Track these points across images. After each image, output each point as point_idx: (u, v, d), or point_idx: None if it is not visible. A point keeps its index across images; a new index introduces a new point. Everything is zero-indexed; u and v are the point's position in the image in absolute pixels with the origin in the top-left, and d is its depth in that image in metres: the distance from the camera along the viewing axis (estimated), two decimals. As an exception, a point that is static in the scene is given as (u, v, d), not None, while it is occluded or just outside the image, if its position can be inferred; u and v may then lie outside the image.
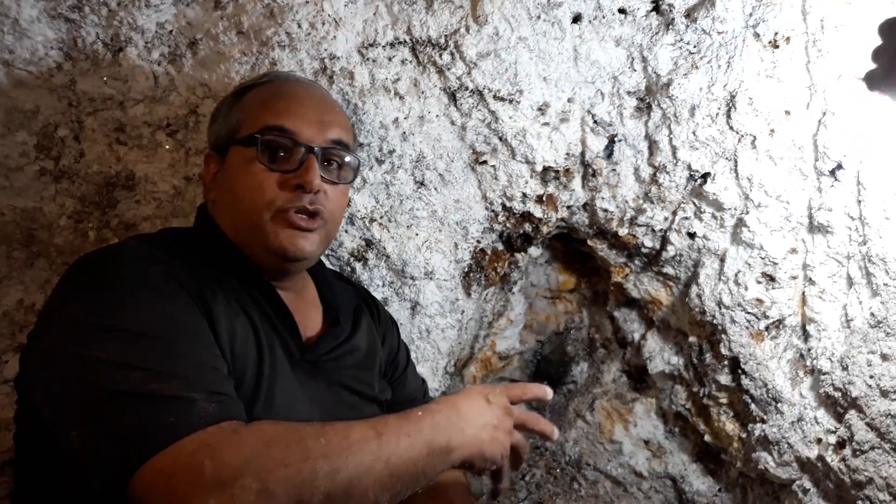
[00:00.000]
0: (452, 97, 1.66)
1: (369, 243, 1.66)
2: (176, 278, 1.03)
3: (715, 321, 1.70)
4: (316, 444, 0.89)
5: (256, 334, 1.09)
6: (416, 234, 1.70)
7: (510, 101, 1.66)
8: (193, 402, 0.89)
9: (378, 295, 1.65)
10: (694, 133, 1.65)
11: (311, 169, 1.13)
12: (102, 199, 1.51)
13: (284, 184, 1.13)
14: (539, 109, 1.69)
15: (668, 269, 1.81)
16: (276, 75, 1.28)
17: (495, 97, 1.66)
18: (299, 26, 1.54)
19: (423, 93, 1.64)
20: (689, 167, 1.67)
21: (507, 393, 1.13)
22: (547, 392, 1.19)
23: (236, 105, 1.21)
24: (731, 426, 1.77)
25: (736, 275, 1.65)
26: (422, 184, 1.68)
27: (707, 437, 1.89)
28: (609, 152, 1.73)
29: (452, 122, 1.67)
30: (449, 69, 1.63)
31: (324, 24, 1.55)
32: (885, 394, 1.36)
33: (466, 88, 1.65)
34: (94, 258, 1.06)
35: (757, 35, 1.59)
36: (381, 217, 1.67)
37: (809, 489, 1.58)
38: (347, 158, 1.22)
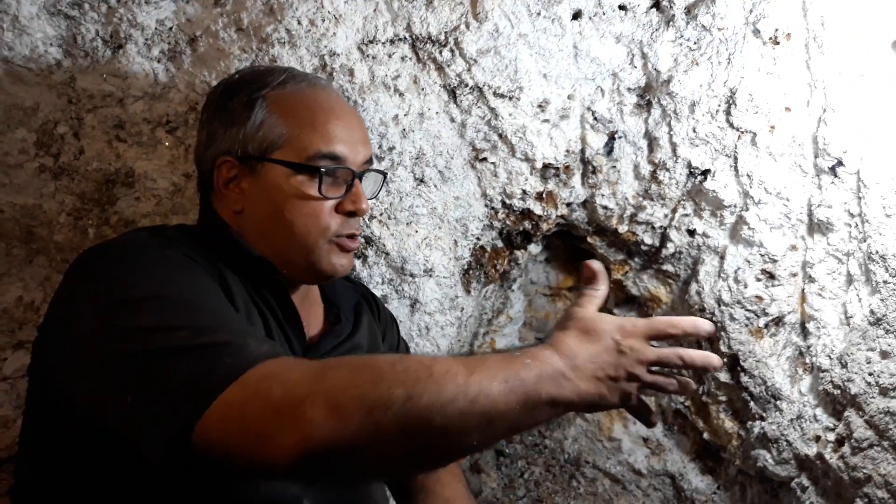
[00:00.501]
0: (452, 94, 1.66)
1: (369, 241, 1.66)
2: (190, 259, 1.04)
3: (714, 318, 1.70)
4: (390, 370, 0.84)
5: (267, 326, 1.10)
6: (416, 232, 1.70)
7: (510, 98, 1.66)
8: (246, 344, 0.89)
9: (377, 292, 1.65)
10: (694, 130, 1.65)
11: (361, 196, 1.18)
12: (102, 196, 1.51)
13: (338, 210, 1.17)
14: (539, 106, 1.69)
15: (668, 267, 1.81)
16: (300, 77, 1.23)
17: (495, 94, 1.66)
18: (299, 23, 1.54)
19: (422, 90, 1.64)
20: (689, 164, 1.67)
21: (649, 328, 0.92)
22: (700, 324, 0.95)
23: (267, 112, 1.16)
24: (729, 424, 1.78)
25: (735, 272, 1.65)
26: (422, 181, 1.68)
27: (706, 435, 1.89)
28: (609, 149, 1.73)
29: (452, 119, 1.67)
30: (449, 66, 1.63)
31: (324, 20, 1.55)
32: (884, 391, 1.36)
33: (466, 85, 1.65)
34: (107, 245, 1.07)
35: (757, 31, 1.59)
36: (381, 214, 1.67)
37: (808, 487, 1.59)
38: (379, 176, 1.29)
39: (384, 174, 1.31)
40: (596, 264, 0.98)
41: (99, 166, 1.50)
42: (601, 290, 0.97)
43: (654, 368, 0.92)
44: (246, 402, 0.83)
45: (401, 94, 1.63)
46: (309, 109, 1.18)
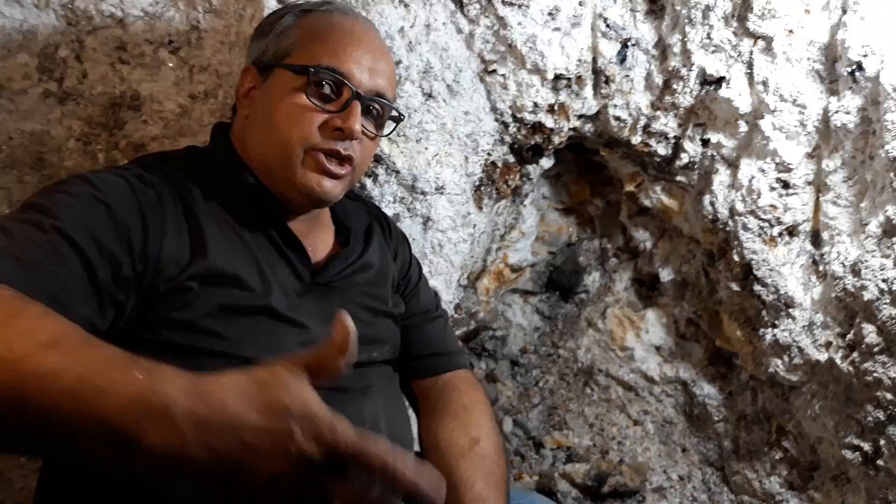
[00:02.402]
0: (459, 3, 1.61)
1: (378, 159, 1.65)
2: (132, 192, 1.02)
3: (728, 228, 1.70)
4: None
5: (256, 263, 1.09)
6: (426, 149, 1.68)
7: (519, 6, 1.61)
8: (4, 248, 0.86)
9: (389, 211, 1.65)
10: (708, 36, 1.60)
11: (354, 115, 1.12)
12: (109, 120, 1.50)
13: (325, 124, 1.12)
14: (549, 14, 1.63)
15: (681, 178, 1.79)
16: (338, 6, 1.23)
17: (503, 2, 1.61)
18: (298, -67, 1.48)
19: None
20: (703, 72, 1.63)
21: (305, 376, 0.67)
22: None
23: (293, 27, 1.17)
24: (742, 332, 1.79)
25: (750, 181, 1.63)
26: (430, 96, 1.65)
27: (718, 343, 1.92)
28: (622, 57, 1.69)
29: (459, 30, 1.63)
30: (455, -26, 1.57)
31: (324, -70, 1.49)
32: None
33: (474, -6, 1.59)
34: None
35: (777, -71, 1.52)
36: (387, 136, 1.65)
37: (818, 392, 1.61)
38: (389, 112, 1.21)
39: (399, 117, 1.24)
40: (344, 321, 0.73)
41: (104, 90, 1.48)
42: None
43: None
44: None
45: (406, 5, 1.58)
46: (331, 28, 1.17)
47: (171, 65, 1.50)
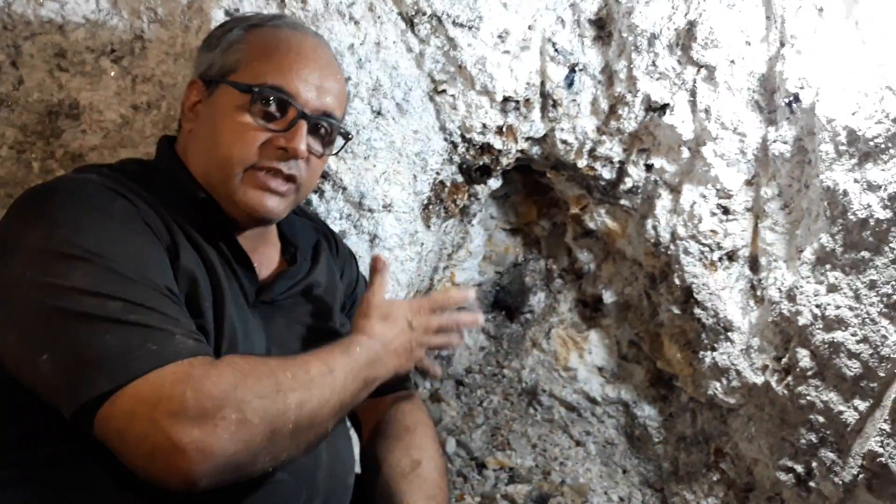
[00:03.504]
0: (410, 23, 1.61)
1: (325, 175, 1.63)
2: (138, 213, 1.00)
3: (669, 252, 1.73)
4: (284, 377, 0.93)
5: (214, 277, 1.07)
6: (374, 166, 1.68)
7: (469, 28, 1.63)
8: (173, 334, 0.90)
9: (336, 228, 1.64)
10: (654, 63, 1.64)
11: (300, 135, 1.10)
12: (45, 128, 1.45)
13: (268, 142, 1.10)
14: (499, 37, 1.65)
15: (625, 201, 1.83)
16: (287, 22, 1.21)
17: (454, 23, 1.62)
18: (249, -54, 1.46)
19: (378, 17, 1.59)
20: (648, 98, 1.66)
21: (431, 304, 1.21)
22: (468, 294, 1.26)
23: (239, 42, 1.14)
24: (682, 354, 1.83)
25: (691, 206, 1.67)
26: (379, 113, 1.65)
27: (659, 364, 1.95)
28: (570, 82, 1.71)
29: (410, 49, 1.63)
30: (406, -6, 1.58)
31: (274, -56, 1.48)
32: (828, 324, 1.40)
33: (424, 14, 1.60)
34: (49, 188, 1.02)
35: (719, -37, 1.56)
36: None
37: (755, 414, 1.65)
38: (337, 131, 1.19)
39: (347, 136, 1.24)
40: (383, 256, 1.24)
41: (41, 97, 1.43)
42: (387, 277, 1.20)
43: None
44: (159, 403, 0.84)
45: (356, 23, 1.58)
46: (276, 44, 1.14)
47: (112, 74, 1.47)
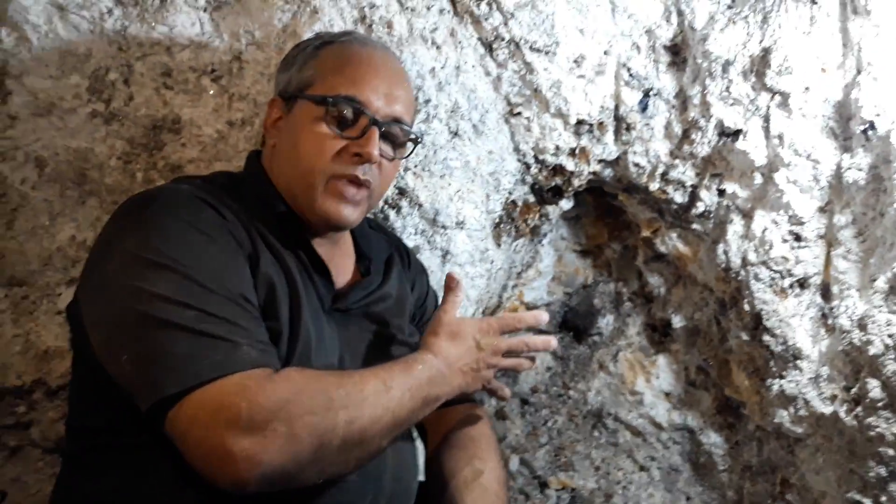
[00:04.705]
0: (489, 48, 1.68)
1: (403, 192, 1.70)
2: (224, 224, 1.09)
3: (740, 278, 1.72)
4: (337, 394, 0.99)
5: (292, 284, 1.14)
6: (449, 184, 1.74)
7: (546, 53, 1.68)
8: (239, 345, 0.97)
9: (410, 243, 1.70)
10: (727, 89, 1.65)
11: (372, 141, 1.18)
12: (150, 141, 1.57)
13: (344, 150, 1.18)
14: (575, 62, 1.70)
15: (697, 226, 1.83)
16: (356, 37, 1.30)
17: (531, 48, 1.68)
18: (340, -25, 1.56)
19: (459, 43, 1.67)
20: (721, 124, 1.68)
21: (501, 325, 1.20)
22: (540, 317, 1.23)
23: (313, 59, 1.23)
24: (750, 381, 1.81)
25: (763, 233, 1.66)
26: (456, 134, 1.72)
27: (726, 392, 1.93)
28: (643, 106, 1.75)
29: (488, 73, 1.70)
30: (486, 19, 1.65)
31: (364, -28, 1.57)
32: (901, 353, 1.39)
33: (503, 39, 1.67)
34: (148, 196, 1.12)
35: (794, -9, 1.58)
36: (416, 166, 1.71)
37: (823, 445, 1.62)
38: (407, 136, 1.27)
39: (416, 140, 1.30)
40: (457, 276, 1.22)
41: (147, 112, 1.56)
42: (460, 296, 1.21)
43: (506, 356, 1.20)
44: (217, 411, 0.92)
45: (438, 47, 1.66)
46: (347, 58, 1.23)
47: (211, 92, 1.58)
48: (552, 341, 1.24)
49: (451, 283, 1.22)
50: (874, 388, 1.44)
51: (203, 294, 0.99)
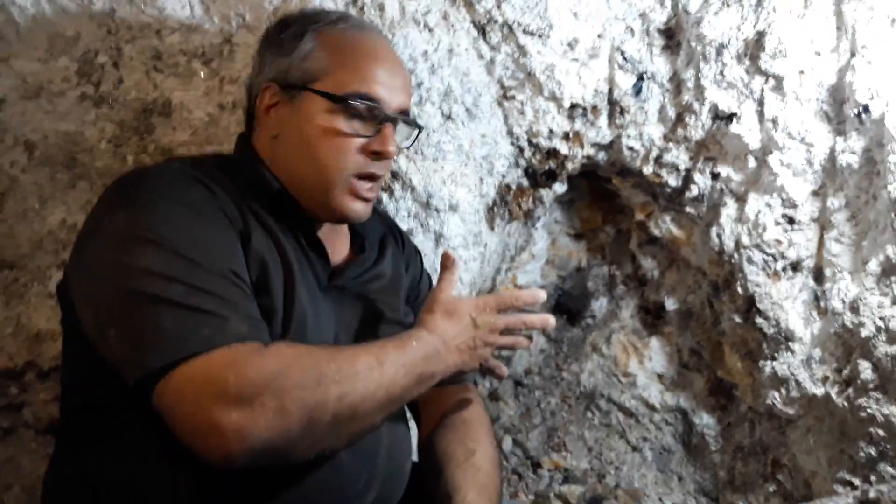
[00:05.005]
0: (482, 31, 1.66)
1: (395, 175, 1.70)
2: (215, 200, 1.08)
3: (733, 261, 1.73)
4: (328, 369, 0.97)
5: (286, 261, 1.13)
6: (442, 168, 1.73)
7: (539, 36, 1.67)
8: (227, 319, 0.96)
9: (403, 226, 1.69)
10: (721, 73, 1.65)
11: (390, 137, 1.18)
12: (140, 124, 1.56)
13: (363, 148, 1.18)
14: (568, 45, 1.69)
15: (690, 209, 1.83)
16: (354, 22, 1.26)
17: (525, 31, 1.66)
18: (332, -44, 1.55)
19: (452, 25, 1.65)
20: (715, 107, 1.67)
21: (497, 303, 1.18)
22: (537, 295, 1.20)
23: (317, 49, 1.19)
24: (742, 363, 1.82)
25: (756, 216, 1.67)
26: (449, 117, 1.71)
27: (719, 373, 1.94)
28: (637, 90, 1.74)
29: (481, 56, 1.69)
30: (479, 2, 1.63)
31: (356, -46, 1.56)
32: (892, 337, 1.39)
33: (496, 22, 1.65)
34: (138, 174, 1.11)
35: (789, -26, 1.57)
36: (408, 149, 1.70)
37: (814, 426, 1.64)
38: (413, 127, 1.28)
39: (420, 128, 1.31)
40: (453, 254, 1.19)
41: (137, 96, 1.54)
42: (456, 275, 1.19)
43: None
44: (204, 385, 0.91)
45: (430, 30, 1.64)
46: (354, 49, 1.20)
47: (202, 75, 1.57)
48: (550, 319, 1.20)
49: (446, 262, 1.20)
50: (865, 370, 1.45)
51: (191, 268, 0.98)
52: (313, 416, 0.94)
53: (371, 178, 1.19)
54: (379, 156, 1.18)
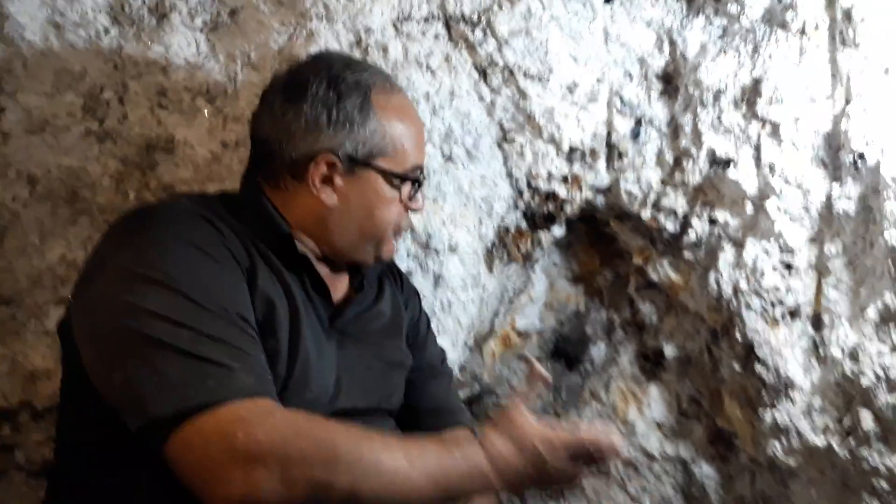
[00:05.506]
0: (483, 73, 1.69)
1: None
2: (222, 240, 1.08)
3: (731, 307, 1.72)
4: (345, 452, 0.93)
5: (292, 302, 1.13)
6: (442, 209, 1.74)
7: (539, 80, 1.70)
8: (234, 371, 0.95)
9: (402, 266, 1.69)
10: (719, 118, 1.67)
11: (423, 198, 1.29)
12: (143, 160, 1.57)
13: (405, 207, 1.26)
14: (568, 89, 1.72)
15: (688, 254, 1.83)
16: (391, 82, 1.29)
17: (525, 75, 1.69)
18: (337, -1, 1.58)
19: (454, 68, 1.68)
20: (713, 152, 1.69)
21: (573, 449, 1.01)
22: (618, 447, 1.04)
23: (378, 120, 1.19)
24: (742, 412, 1.80)
25: (754, 261, 1.66)
26: (449, 158, 1.72)
27: (718, 422, 1.91)
28: (635, 134, 1.76)
29: (481, 99, 1.71)
30: (480, 45, 1.66)
31: (361, -4, 1.59)
32: (892, 386, 1.38)
33: (497, 65, 1.68)
34: (144, 211, 1.12)
35: (785, 22, 1.60)
36: (409, 190, 1.71)
37: (816, 478, 1.61)
38: None
39: None
40: (542, 370, 1.11)
41: (141, 131, 1.56)
42: (539, 393, 1.13)
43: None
44: (212, 439, 0.91)
45: (432, 72, 1.67)
46: (409, 122, 1.25)
47: (206, 112, 1.59)
48: (620, 447, 1.04)
49: (534, 374, 1.10)
50: (866, 420, 1.43)
51: (198, 313, 0.97)
52: (317, 495, 0.92)
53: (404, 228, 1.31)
54: (415, 211, 1.29)
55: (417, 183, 1.25)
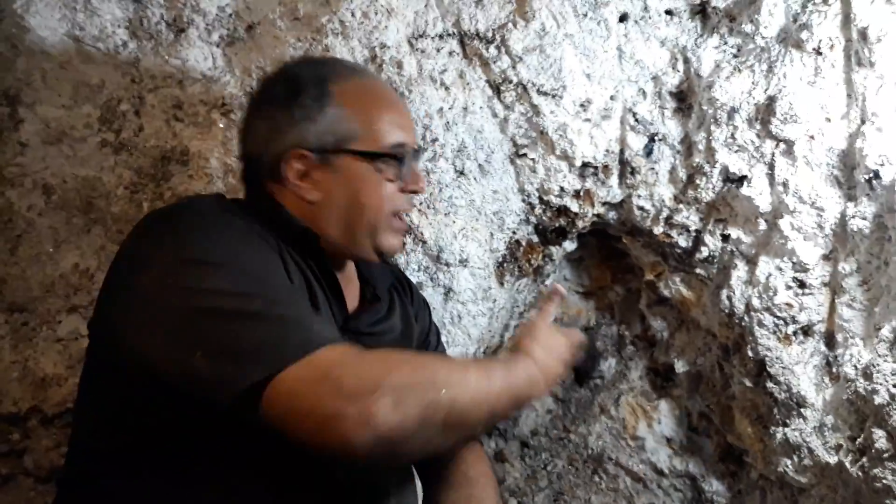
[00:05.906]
0: (496, 90, 1.70)
1: (407, 228, 1.71)
2: (253, 229, 1.10)
3: (743, 323, 1.72)
4: (439, 373, 0.99)
5: (313, 297, 1.15)
6: (454, 222, 1.75)
7: (553, 96, 1.70)
8: (312, 325, 0.99)
9: (413, 279, 1.70)
10: (732, 136, 1.67)
11: (420, 175, 1.29)
12: (157, 171, 1.59)
13: (399, 189, 1.25)
14: (581, 105, 1.72)
15: (700, 270, 1.83)
16: (364, 72, 1.34)
17: (538, 91, 1.70)
18: (353, 15, 1.59)
19: (468, 84, 1.69)
20: (726, 170, 1.69)
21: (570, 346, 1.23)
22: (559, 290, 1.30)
23: (339, 106, 1.20)
24: (753, 429, 1.79)
25: (766, 279, 1.66)
26: (462, 173, 1.73)
27: (729, 439, 1.91)
28: (649, 151, 1.76)
29: (495, 115, 1.72)
30: (494, 62, 1.67)
31: (376, 13, 1.60)
32: (907, 404, 1.37)
33: (510, 82, 1.69)
34: (172, 209, 1.14)
35: (800, 42, 1.60)
36: (421, 203, 1.72)
37: (827, 496, 1.60)
38: (422, 153, 1.40)
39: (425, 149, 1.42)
40: (561, 289, 1.29)
41: (156, 143, 1.58)
42: (555, 307, 1.27)
43: None
44: (318, 384, 0.92)
45: (447, 88, 1.68)
46: (374, 102, 1.24)
47: (221, 125, 1.60)
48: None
49: (554, 293, 1.29)
50: (880, 439, 1.42)
51: (260, 281, 1.00)
52: (427, 414, 0.94)
53: (407, 213, 1.29)
54: (413, 193, 1.27)
55: (399, 159, 1.22)
